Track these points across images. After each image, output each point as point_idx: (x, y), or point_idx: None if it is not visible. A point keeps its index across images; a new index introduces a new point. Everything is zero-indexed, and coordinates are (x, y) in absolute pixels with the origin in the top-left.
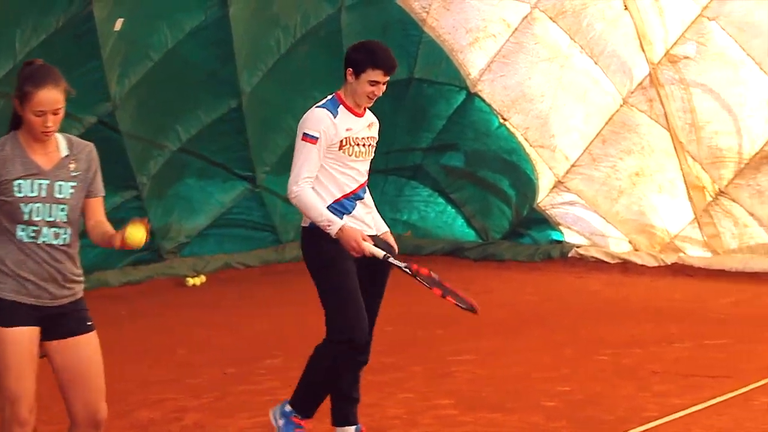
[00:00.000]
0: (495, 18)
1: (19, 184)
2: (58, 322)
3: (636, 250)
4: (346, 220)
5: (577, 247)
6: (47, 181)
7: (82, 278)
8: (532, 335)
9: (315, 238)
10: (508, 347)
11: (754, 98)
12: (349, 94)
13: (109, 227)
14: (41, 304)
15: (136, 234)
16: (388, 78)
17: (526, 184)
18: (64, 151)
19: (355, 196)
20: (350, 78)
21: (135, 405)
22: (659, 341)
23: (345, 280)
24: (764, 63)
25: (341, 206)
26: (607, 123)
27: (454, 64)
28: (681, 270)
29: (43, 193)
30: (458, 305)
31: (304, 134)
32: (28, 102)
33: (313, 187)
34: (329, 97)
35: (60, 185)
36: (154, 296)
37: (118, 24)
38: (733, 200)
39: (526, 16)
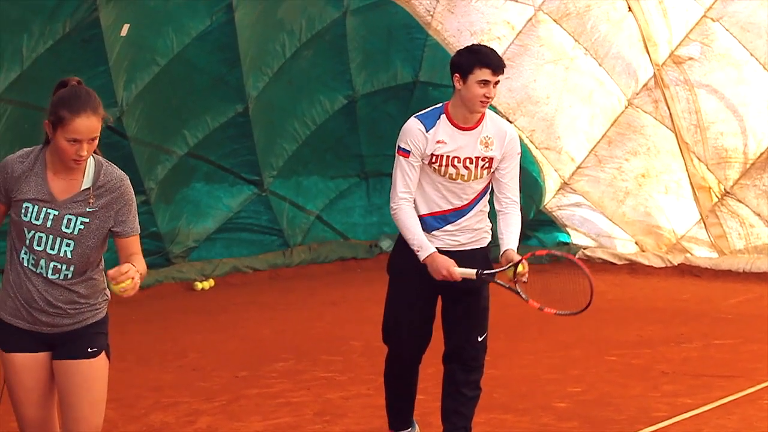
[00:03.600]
0: (499, 20)
1: (27, 207)
2: (62, 342)
3: (643, 251)
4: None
5: (584, 248)
6: (56, 212)
7: (95, 305)
8: (541, 336)
9: (399, 246)
10: (517, 348)
11: (758, 98)
12: (459, 104)
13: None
14: (37, 330)
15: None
16: (498, 78)
17: (532, 186)
18: (87, 183)
19: (443, 218)
20: (458, 85)
21: (147, 409)
22: (668, 341)
23: (399, 293)
24: None
25: (423, 223)
26: (612, 124)
27: None
28: (688, 270)
29: (49, 224)
30: (559, 314)
31: (397, 147)
32: (62, 127)
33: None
34: (436, 105)
35: (69, 219)
36: (163, 300)
37: (125, 29)
38: (739, 200)
39: (530, 19)
